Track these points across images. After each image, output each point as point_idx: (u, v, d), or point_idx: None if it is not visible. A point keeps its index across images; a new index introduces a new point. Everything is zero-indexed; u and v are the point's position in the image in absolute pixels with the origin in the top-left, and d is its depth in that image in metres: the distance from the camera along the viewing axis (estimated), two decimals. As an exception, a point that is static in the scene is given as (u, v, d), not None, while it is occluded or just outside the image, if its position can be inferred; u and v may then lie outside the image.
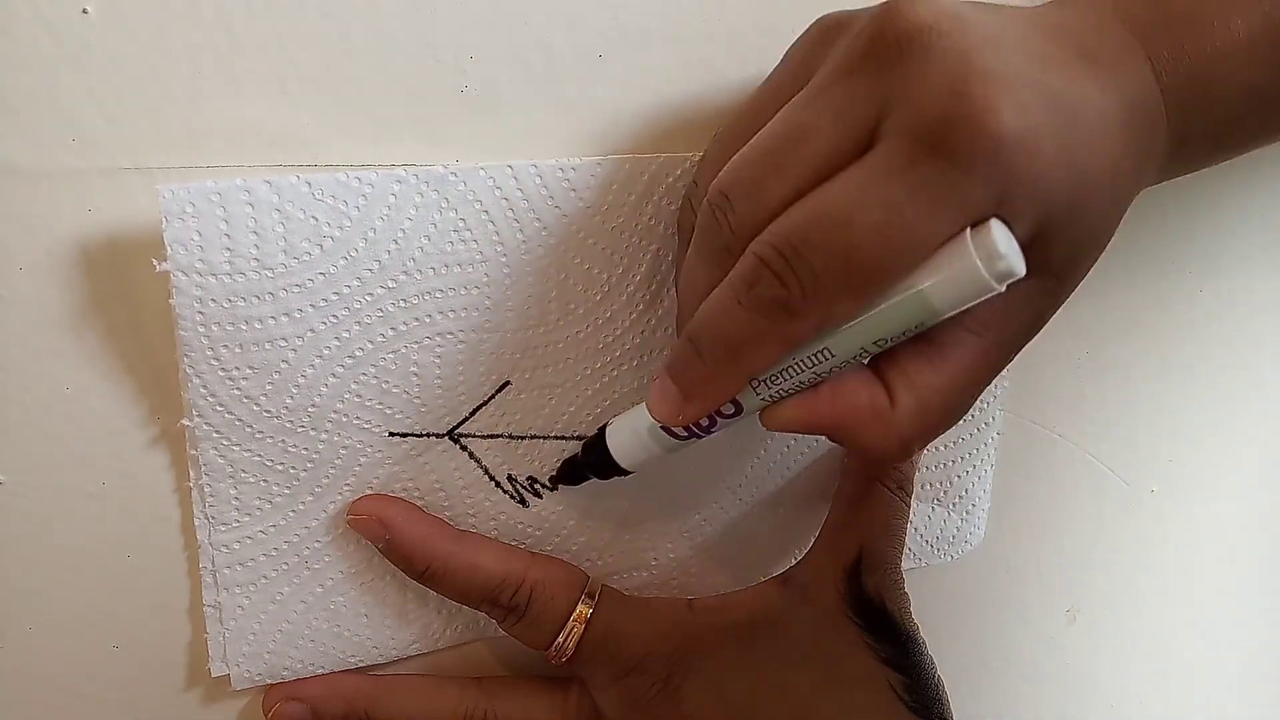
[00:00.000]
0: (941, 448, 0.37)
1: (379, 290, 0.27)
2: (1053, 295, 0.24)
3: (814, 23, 0.24)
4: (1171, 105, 0.24)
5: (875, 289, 0.22)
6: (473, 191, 0.27)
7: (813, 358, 0.24)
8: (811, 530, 0.35)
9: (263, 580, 0.29)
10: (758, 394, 0.25)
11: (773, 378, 0.24)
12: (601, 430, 0.29)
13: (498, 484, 0.31)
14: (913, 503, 0.35)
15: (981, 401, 0.37)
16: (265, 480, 0.28)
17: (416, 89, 0.27)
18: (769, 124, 0.23)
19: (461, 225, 0.27)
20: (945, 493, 0.38)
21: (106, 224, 0.26)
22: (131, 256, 0.26)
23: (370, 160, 0.27)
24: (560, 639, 0.30)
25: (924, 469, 0.37)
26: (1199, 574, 0.46)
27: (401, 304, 0.28)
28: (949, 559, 0.39)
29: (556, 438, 0.31)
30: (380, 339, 0.28)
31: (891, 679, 0.30)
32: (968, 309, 0.22)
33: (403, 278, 0.27)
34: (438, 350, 0.29)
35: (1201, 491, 0.44)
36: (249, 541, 0.29)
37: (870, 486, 0.33)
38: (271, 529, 0.29)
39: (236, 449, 0.28)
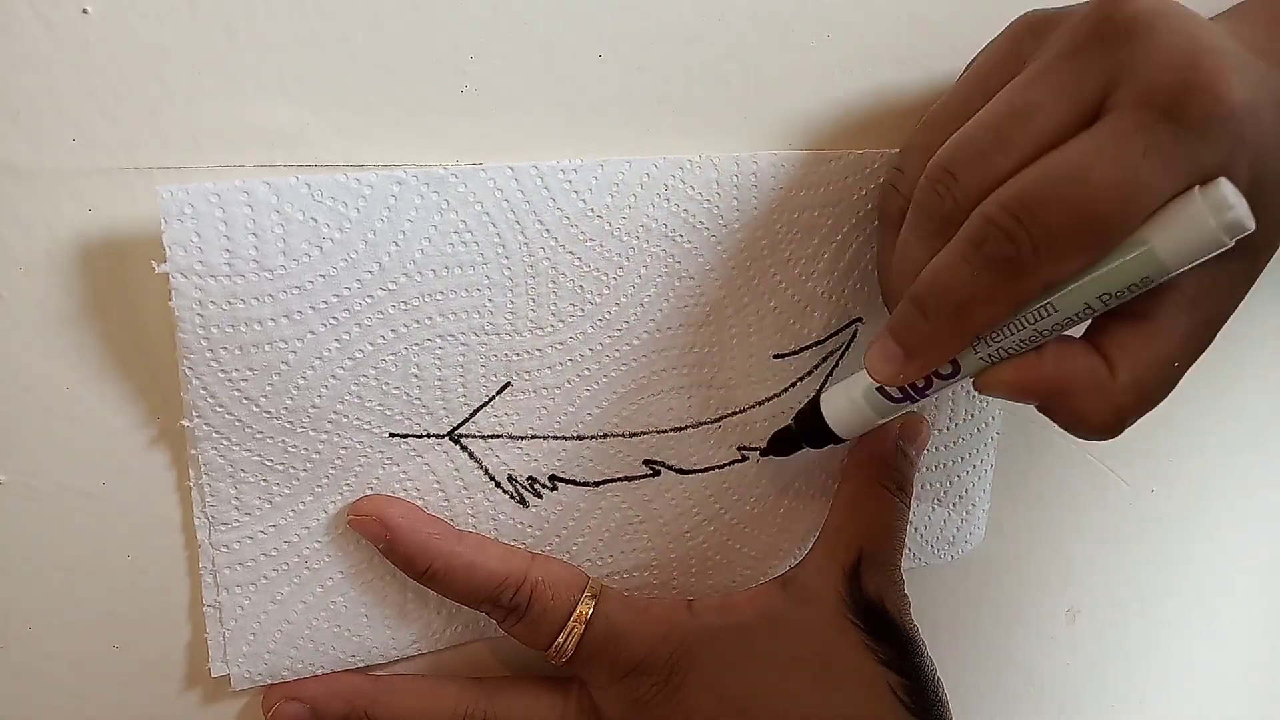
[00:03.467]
0: (941, 448, 0.37)
1: (379, 292, 0.27)
2: (1249, 274, 0.25)
3: (1018, 19, 0.26)
4: None
5: (1106, 244, 0.23)
6: (473, 193, 0.27)
7: (1035, 313, 0.24)
8: (811, 530, 0.35)
9: (263, 580, 0.29)
10: (976, 353, 0.26)
11: (993, 336, 0.25)
12: (816, 398, 0.31)
13: (498, 484, 0.31)
14: (913, 503, 0.35)
15: (981, 401, 0.37)
16: (265, 480, 0.28)
17: (416, 89, 0.27)
18: (988, 106, 0.25)
19: (462, 227, 0.27)
20: (945, 493, 0.38)
21: (106, 224, 0.26)
22: (131, 257, 0.26)
23: (370, 161, 0.27)
24: (560, 639, 0.30)
25: (924, 469, 0.37)
26: (1199, 574, 0.46)
27: (402, 306, 0.28)
28: (949, 559, 0.39)
29: (556, 438, 0.31)
30: (381, 340, 0.28)
31: (891, 680, 0.30)
32: (1182, 278, 0.23)
33: (403, 279, 0.27)
34: (438, 352, 0.29)
35: (1201, 491, 0.44)
36: (249, 541, 0.29)
37: (870, 488, 0.33)
38: (271, 529, 0.29)
39: (236, 449, 0.28)
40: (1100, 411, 0.25)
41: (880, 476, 0.34)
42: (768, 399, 0.33)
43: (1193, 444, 0.43)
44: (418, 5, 0.26)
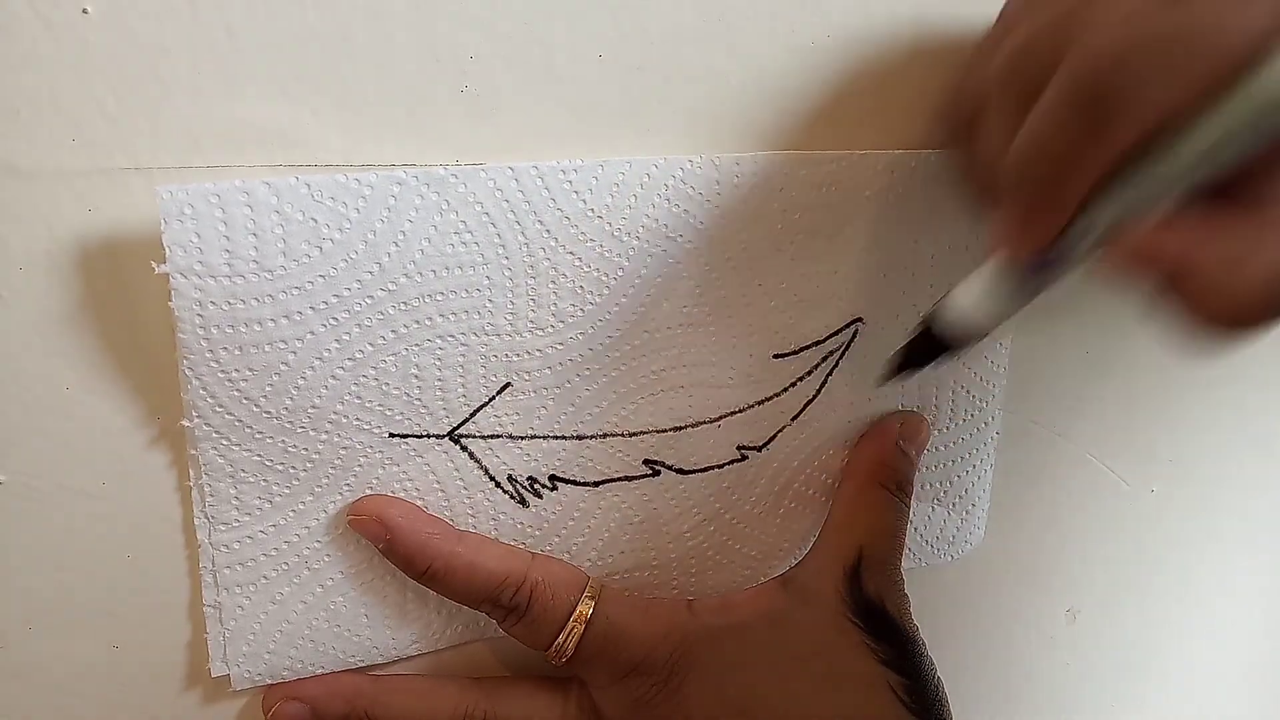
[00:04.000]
0: (941, 448, 0.37)
1: (379, 292, 0.27)
2: None
3: None
4: None
5: (1211, 75, 0.20)
6: (473, 193, 0.27)
7: (1154, 162, 0.22)
8: (812, 530, 0.35)
9: (263, 580, 0.29)
10: (1102, 214, 0.23)
11: (1114, 193, 0.23)
12: (925, 325, 0.29)
13: (498, 484, 0.31)
14: (913, 503, 0.35)
15: (981, 401, 0.37)
16: (265, 480, 0.28)
17: (416, 89, 0.27)
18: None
19: (462, 227, 0.27)
20: (945, 493, 0.38)
21: (106, 224, 0.26)
22: (131, 256, 0.26)
23: (370, 161, 0.27)
24: (560, 639, 0.30)
25: (924, 469, 0.37)
26: (1199, 574, 0.46)
27: (402, 306, 0.28)
28: (949, 559, 0.39)
29: (556, 438, 0.31)
30: (381, 341, 0.28)
31: (891, 680, 0.30)
32: None
33: (403, 280, 0.27)
34: (438, 352, 0.29)
35: (1201, 491, 0.44)
36: (249, 541, 0.29)
37: (870, 487, 0.33)
38: (271, 529, 0.29)
39: (236, 449, 0.28)
40: (1223, 297, 0.21)
41: (880, 476, 0.34)
42: (768, 399, 0.33)
43: (1193, 444, 0.43)
44: (418, 5, 0.26)
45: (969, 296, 0.28)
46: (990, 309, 0.27)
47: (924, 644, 0.32)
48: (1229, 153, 0.21)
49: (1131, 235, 0.23)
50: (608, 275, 0.30)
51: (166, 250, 0.25)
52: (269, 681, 0.30)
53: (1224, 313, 0.22)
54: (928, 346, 0.29)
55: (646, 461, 0.32)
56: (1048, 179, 0.23)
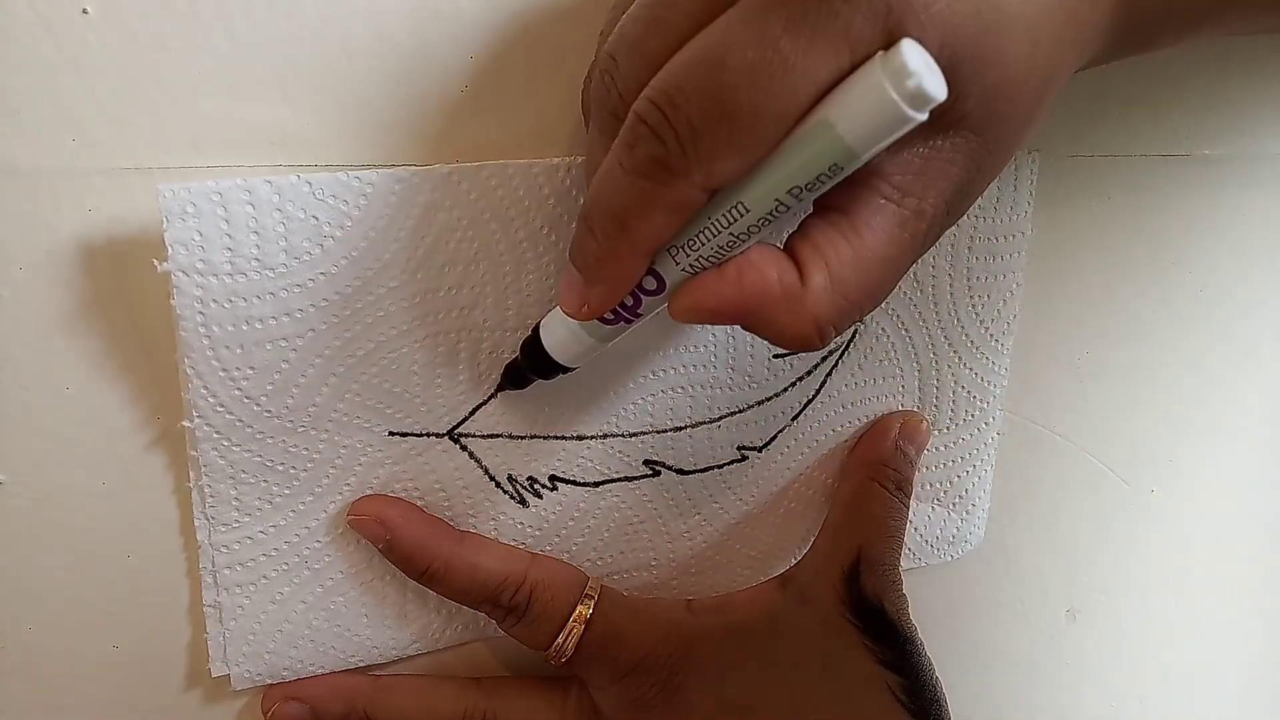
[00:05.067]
0: (941, 448, 0.37)
1: (380, 290, 0.27)
2: (974, 157, 0.22)
3: None
4: None
5: (758, 136, 0.20)
6: (473, 192, 0.27)
7: (726, 216, 0.21)
8: (811, 530, 0.35)
9: (263, 580, 0.29)
10: (678, 265, 0.23)
11: (690, 245, 0.22)
12: (537, 328, 0.27)
13: (498, 484, 0.31)
14: (912, 503, 0.35)
15: (981, 401, 0.37)
16: (265, 480, 0.28)
17: (416, 89, 0.27)
18: None
19: (462, 225, 0.27)
20: (945, 493, 0.38)
21: (106, 224, 0.26)
22: (132, 256, 0.26)
23: (370, 160, 0.27)
24: (560, 639, 0.30)
25: (924, 469, 0.37)
26: (1199, 574, 0.46)
27: (403, 304, 0.28)
28: (949, 559, 0.39)
29: (556, 437, 0.31)
30: (381, 339, 0.28)
31: (889, 680, 0.30)
32: (885, 164, 0.21)
33: (404, 278, 0.27)
34: (438, 350, 0.29)
35: (1201, 491, 0.44)
36: (249, 541, 0.29)
37: (869, 487, 0.33)
38: (271, 529, 0.29)
39: (237, 449, 0.28)
40: (796, 321, 0.22)
41: (879, 476, 0.34)
42: (768, 399, 0.33)
43: (1193, 444, 0.43)
44: (418, 5, 0.26)
45: (558, 328, 0.26)
46: (577, 348, 0.26)
47: (922, 644, 0.32)
48: (809, 194, 0.21)
49: (687, 293, 0.23)
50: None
51: (168, 248, 0.25)
52: (269, 681, 0.30)
53: (798, 333, 0.22)
54: (540, 358, 0.27)
55: (646, 462, 0.32)
56: (609, 250, 0.22)
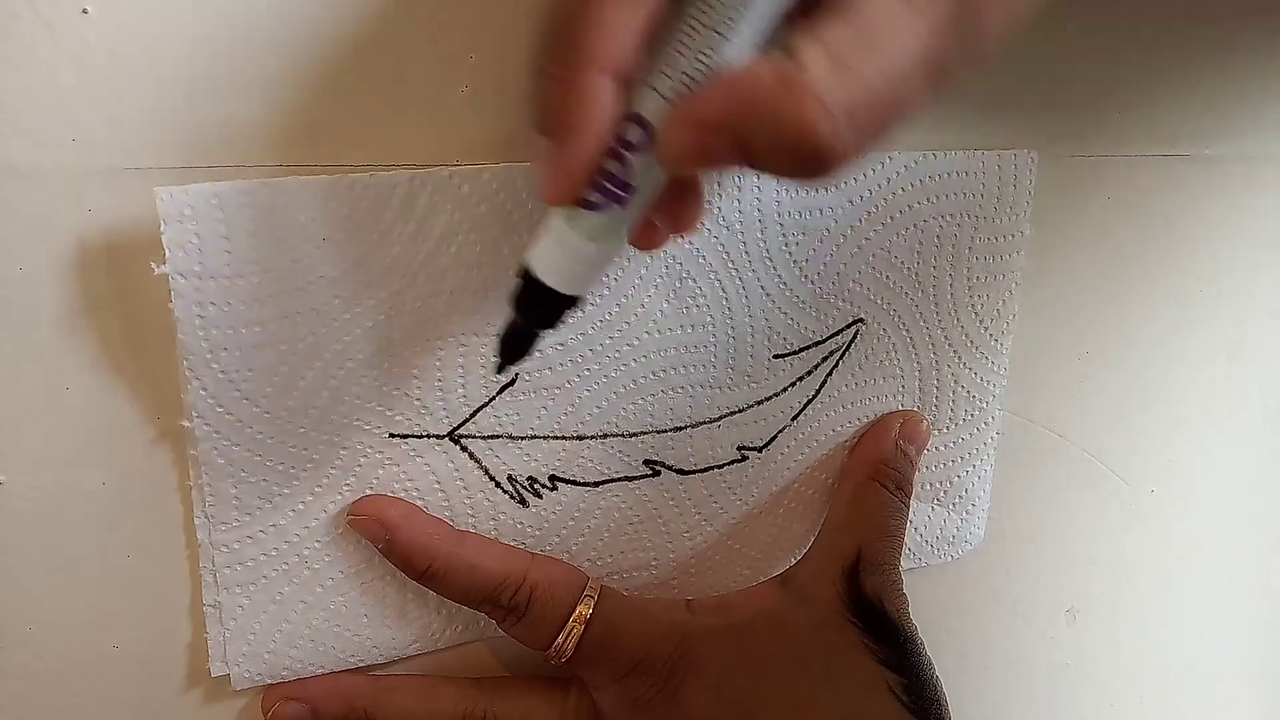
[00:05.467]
0: (941, 448, 0.37)
1: (381, 294, 0.27)
2: None
3: None
4: None
5: None
6: (474, 194, 0.27)
7: (695, 12, 0.19)
8: (811, 530, 0.35)
9: (263, 580, 0.29)
10: (661, 95, 0.20)
11: (667, 67, 0.19)
12: (525, 270, 0.23)
13: (498, 484, 0.31)
14: (913, 503, 0.35)
15: (981, 401, 0.37)
16: (265, 480, 0.28)
17: (416, 89, 0.27)
18: None
19: (464, 229, 0.27)
20: (945, 493, 0.38)
21: (106, 224, 0.26)
22: (131, 256, 0.26)
23: (371, 161, 0.27)
24: (560, 639, 0.30)
25: (924, 469, 0.37)
26: (1199, 574, 0.46)
27: (404, 308, 0.28)
28: (949, 559, 0.39)
29: (556, 438, 0.31)
30: (382, 342, 0.28)
31: (890, 680, 0.30)
32: None
33: (405, 281, 0.27)
34: (439, 353, 0.29)
35: (1201, 491, 0.44)
36: (249, 541, 0.29)
37: (869, 487, 0.33)
38: (271, 529, 0.29)
39: (237, 449, 0.28)
40: (802, 109, 0.18)
41: (880, 476, 0.34)
42: (768, 399, 0.33)
43: (1193, 444, 0.43)
44: (418, 5, 0.26)
45: (551, 253, 0.23)
46: (581, 266, 0.23)
47: (922, 644, 0.32)
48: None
49: (673, 124, 0.20)
50: (607, 275, 0.30)
51: (166, 252, 0.25)
52: (269, 681, 0.30)
53: (815, 119, 0.18)
54: (539, 302, 0.23)
55: (646, 462, 0.32)
56: (565, 87, 0.20)
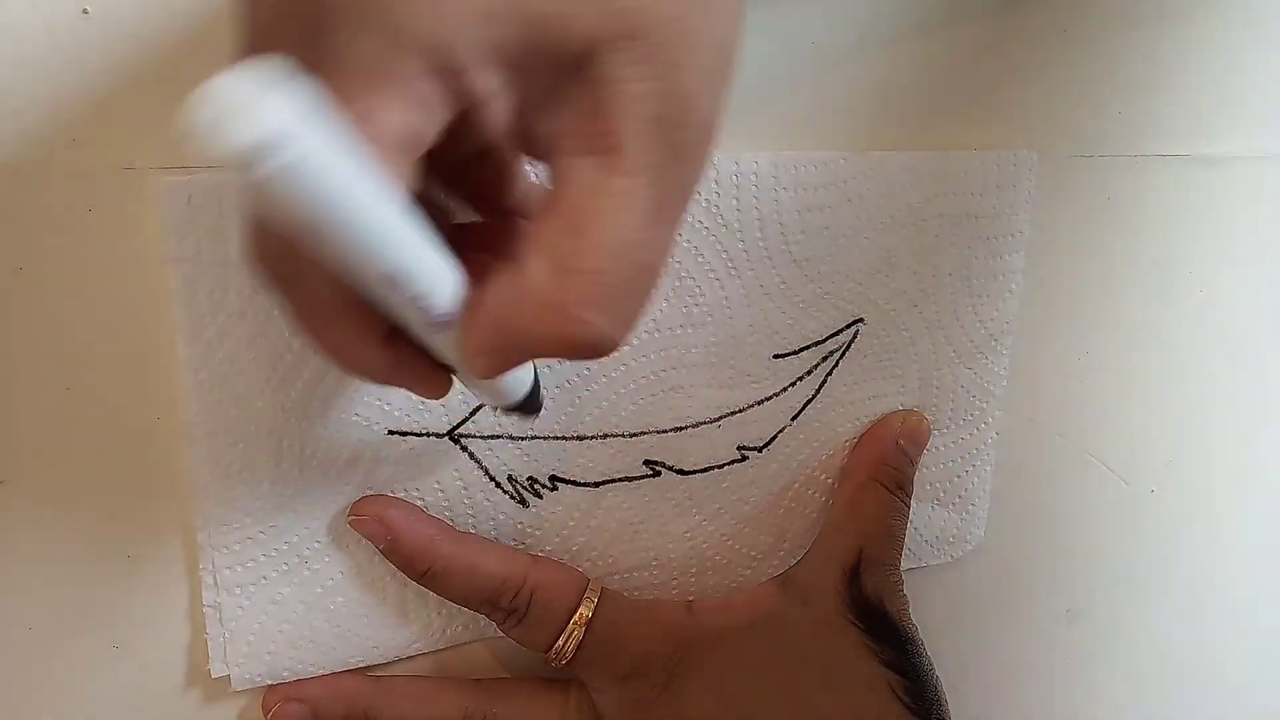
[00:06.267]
0: (941, 448, 0.37)
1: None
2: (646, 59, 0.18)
3: None
4: None
5: None
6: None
7: (376, 288, 0.18)
8: (811, 530, 0.35)
9: (263, 581, 0.29)
10: (407, 321, 0.20)
11: (397, 316, 0.19)
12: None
13: (498, 484, 0.31)
14: (913, 503, 0.35)
15: (981, 401, 0.37)
16: (265, 480, 0.28)
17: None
18: None
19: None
20: (945, 493, 0.38)
21: (106, 224, 0.26)
22: (131, 256, 0.26)
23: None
24: (560, 641, 0.30)
25: (924, 469, 0.37)
26: (1199, 574, 0.46)
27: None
28: (949, 559, 0.39)
29: (556, 438, 0.31)
30: (380, 339, 0.28)
31: (891, 680, 0.30)
32: (536, 125, 0.18)
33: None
34: (438, 351, 0.29)
35: (1201, 491, 0.44)
36: (249, 542, 0.29)
37: (870, 487, 0.33)
38: (271, 529, 0.29)
39: (236, 448, 0.28)
40: (545, 325, 0.18)
41: (880, 476, 0.34)
42: (768, 399, 0.33)
43: (1193, 444, 0.43)
44: (418, 5, 0.26)
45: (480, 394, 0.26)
46: (488, 397, 0.26)
47: (923, 644, 0.32)
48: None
49: (465, 355, 0.20)
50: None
51: (167, 242, 0.25)
52: (269, 682, 0.30)
53: (552, 323, 0.18)
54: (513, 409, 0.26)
55: (647, 462, 0.32)
56: (328, 352, 0.21)
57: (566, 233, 0.18)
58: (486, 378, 0.21)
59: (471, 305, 0.19)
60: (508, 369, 0.20)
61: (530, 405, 0.26)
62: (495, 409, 0.29)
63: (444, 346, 0.21)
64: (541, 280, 0.18)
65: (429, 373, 0.22)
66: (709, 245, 0.31)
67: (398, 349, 0.21)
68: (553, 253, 0.18)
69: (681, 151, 0.19)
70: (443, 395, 0.23)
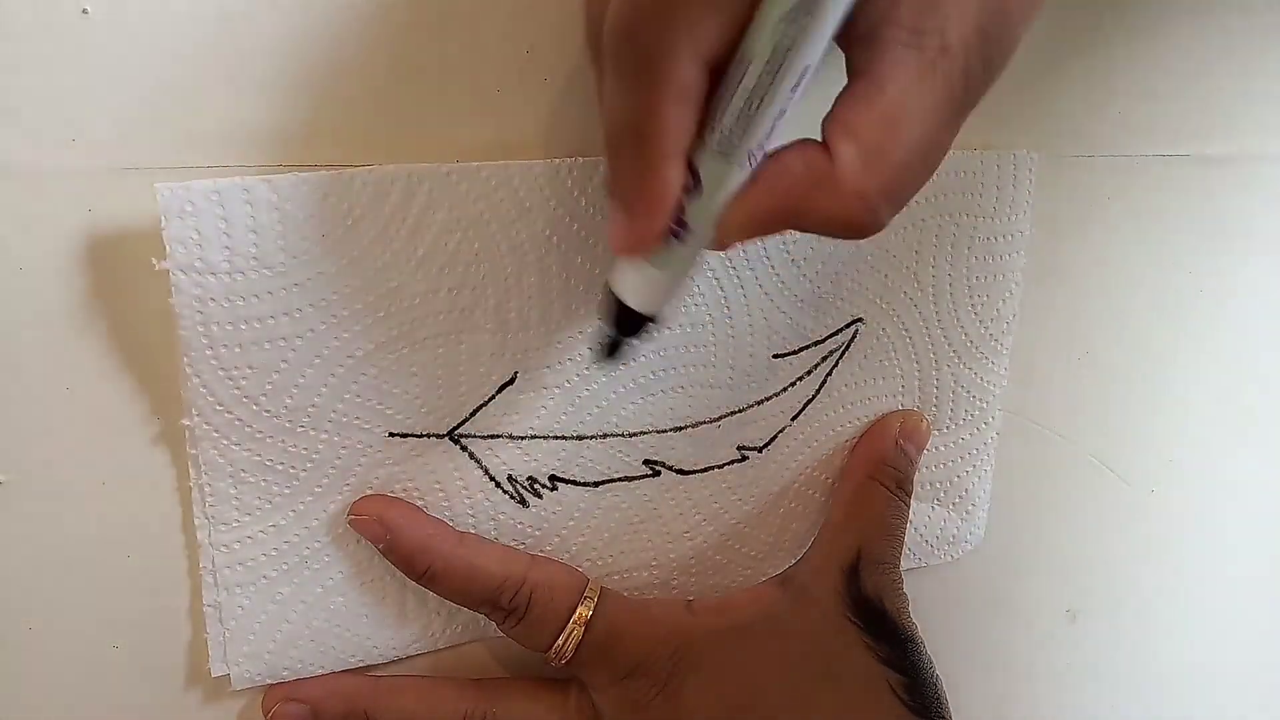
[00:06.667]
0: (941, 448, 0.37)
1: (379, 291, 0.27)
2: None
3: None
4: None
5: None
6: (473, 192, 0.27)
7: (734, 78, 0.20)
8: (811, 530, 0.35)
9: (263, 580, 0.29)
10: (709, 148, 0.21)
11: (711, 124, 0.21)
12: (611, 292, 0.26)
13: (498, 484, 0.31)
14: (913, 503, 0.35)
15: (981, 401, 0.37)
16: (265, 480, 0.28)
17: (416, 89, 0.27)
18: None
19: (461, 226, 0.27)
20: (945, 493, 0.38)
21: (106, 224, 0.26)
22: (131, 256, 0.26)
23: (370, 160, 0.27)
24: (560, 641, 0.30)
25: (924, 469, 0.37)
26: (1199, 574, 0.46)
27: (402, 305, 0.28)
28: (949, 559, 0.39)
29: (556, 438, 0.31)
30: (381, 340, 0.28)
31: (890, 679, 0.30)
32: (890, 6, 0.19)
33: (403, 278, 0.27)
34: (438, 351, 0.29)
35: (1201, 491, 0.44)
36: (249, 541, 0.29)
37: (869, 486, 0.33)
38: (271, 529, 0.29)
39: (236, 448, 0.28)
40: (838, 204, 0.20)
41: (880, 475, 0.34)
42: (768, 399, 0.33)
43: (1193, 444, 0.43)
44: (418, 5, 0.26)
45: (629, 276, 0.25)
46: (653, 290, 0.25)
47: (923, 643, 0.32)
48: (810, 27, 0.19)
49: (729, 215, 0.22)
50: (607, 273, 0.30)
51: (167, 247, 0.25)
52: (269, 681, 0.30)
53: (851, 212, 0.21)
54: (625, 318, 0.26)
55: (647, 462, 0.32)
56: (636, 165, 0.21)
57: (881, 124, 0.20)
58: (736, 239, 0.22)
59: (774, 164, 0.21)
60: (762, 235, 0.22)
61: (643, 329, 0.26)
62: (601, 341, 0.27)
63: (711, 185, 0.22)
64: (851, 165, 0.20)
65: (666, 210, 0.22)
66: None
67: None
68: (865, 141, 0.20)
69: (990, 65, 0.20)
70: (646, 239, 0.23)
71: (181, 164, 0.26)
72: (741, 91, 0.20)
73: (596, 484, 0.32)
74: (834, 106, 0.21)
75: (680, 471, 0.33)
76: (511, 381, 0.30)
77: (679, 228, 0.23)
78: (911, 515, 0.35)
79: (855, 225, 0.21)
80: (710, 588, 0.35)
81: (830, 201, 0.21)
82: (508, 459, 0.31)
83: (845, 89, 0.21)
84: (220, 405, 0.27)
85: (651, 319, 0.26)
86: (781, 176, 0.21)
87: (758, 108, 0.21)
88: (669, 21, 0.19)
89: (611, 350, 0.27)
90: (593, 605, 0.31)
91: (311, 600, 0.30)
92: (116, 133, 0.25)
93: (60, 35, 0.24)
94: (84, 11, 0.24)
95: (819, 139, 0.21)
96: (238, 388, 0.27)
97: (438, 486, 0.30)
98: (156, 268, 0.25)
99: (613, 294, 0.26)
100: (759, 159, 0.22)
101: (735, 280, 0.31)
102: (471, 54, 0.27)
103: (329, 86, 0.26)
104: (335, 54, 0.26)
